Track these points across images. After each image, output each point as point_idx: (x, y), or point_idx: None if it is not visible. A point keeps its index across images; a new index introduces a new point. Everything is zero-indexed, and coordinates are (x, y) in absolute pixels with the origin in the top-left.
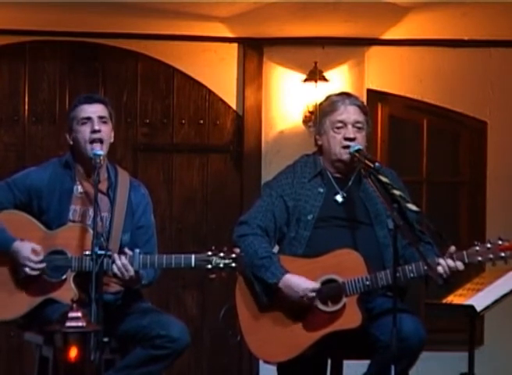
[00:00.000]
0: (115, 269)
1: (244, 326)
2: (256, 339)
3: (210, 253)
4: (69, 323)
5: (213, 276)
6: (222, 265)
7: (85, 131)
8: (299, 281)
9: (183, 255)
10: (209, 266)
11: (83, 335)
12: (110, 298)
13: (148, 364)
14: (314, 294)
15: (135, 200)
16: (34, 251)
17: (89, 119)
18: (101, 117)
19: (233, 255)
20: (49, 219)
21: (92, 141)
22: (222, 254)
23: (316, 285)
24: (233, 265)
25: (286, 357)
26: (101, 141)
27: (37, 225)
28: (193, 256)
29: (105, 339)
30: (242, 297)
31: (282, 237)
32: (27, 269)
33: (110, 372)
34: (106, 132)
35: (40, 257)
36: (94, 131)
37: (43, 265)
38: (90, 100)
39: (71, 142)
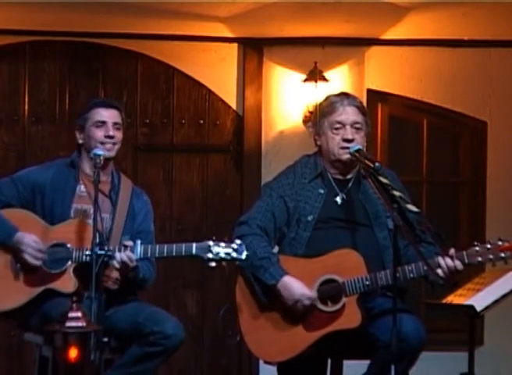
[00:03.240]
0: (125, 258)
1: (244, 326)
2: (256, 339)
3: (211, 242)
4: (69, 323)
5: (213, 264)
6: (222, 254)
7: (99, 134)
8: (297, 286)
9: (184, 244)
10: (210, 255)
11: (83, 335)
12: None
13: (144, 361)
14: (309, 302)
15: (137, 205)
16: (36, 242)
17: (104, 123)
18: (115, 123)
19: (234, 246)
20: (52, 217)
21: (104, 144)
22: (222, 244)
23: (313, 295)
24: (234, 255)
25: (285, 357)
26: (113, 144)
27: (38, 220)
28: (194, 245)
29: (105, 339)
30: (242, 296)
31: (282, 238)
32: (28, 257)
33: (108, 371)
34: (119, 138)
35: (42, 247)
36: (108, 136)
37: (44, 254)
38: (107, 105)
39: (80, 141)
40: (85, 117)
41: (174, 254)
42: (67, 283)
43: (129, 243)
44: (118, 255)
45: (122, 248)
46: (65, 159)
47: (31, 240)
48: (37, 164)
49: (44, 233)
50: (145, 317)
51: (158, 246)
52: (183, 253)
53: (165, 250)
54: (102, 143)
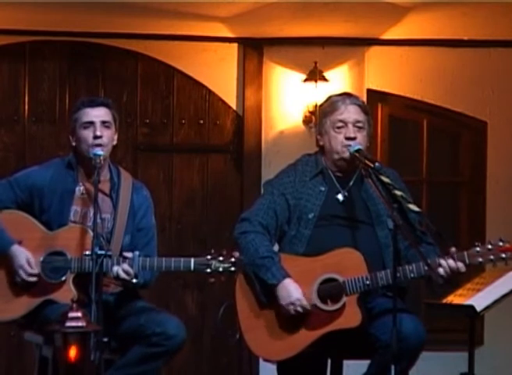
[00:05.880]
0: (122, 275)
1: (244, 324)
2: (255, 337)
3: (209, 257)
4: (69, 323)
5: (212, 280)
6: (221, 269)
7: (87, 135)
8: (296, 290)
9: (182, 259)
10: (208, 270)
11: (83, 335)
12: (109, 298)
13: (146, 362)
14: (301, 309)
15: (137, 202)
16: (29, 262)
17: (92, 123)
18: (103, 122)
19: (232, 259)
20: (50, 219)
21: (93, 146)
22: (221, 258)
23: (308, 305)
24: (232, 269)
25: (285, 355)
26: (102, 145)
27: (37, 225)
28: (192, 260)
29: (105, 339)
30: (242, 294)
31: (283, 236)
32: (18, 279)
33: (109, 371)
34: (108, 137)
35: (34, 270)
36: (96, 137)
37: (34, 279)
38: (94, 103)
39: (74, 143)
40: (74, 119)
41: (172, 269)
42: (67, 294)
43: (129, 255)
44: (115, 268)
45: (121, 260)
46: (62, 159)
47: (24, 260)
48: (36, 164)
49: (43, 240)
50: (147, 318)
51: (156, 260)
52: (182, 268)
53: (164, 265)
54: (92, 145)
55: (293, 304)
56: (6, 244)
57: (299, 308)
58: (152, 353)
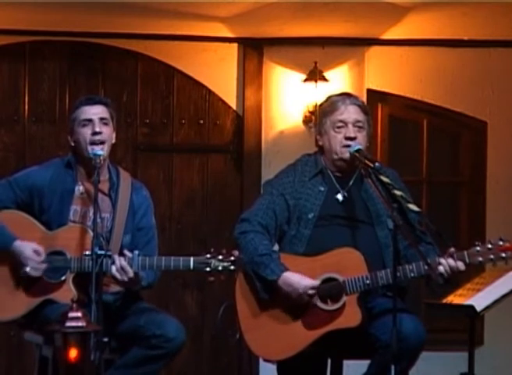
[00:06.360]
0: (114, 271)
1: (244, 324)
2: (255, 337)
3: (209, 256)
4: (69, 323)
5: (212, 279)
6: (220, 267)
7: (86, 133)
8: (298, 279)
9: (181, 258)
10: (208, 269)
11: (83, 335)
12: (109, 298)
13: (145, 364)
14: (313, 291)
15: (137, 201)
16: (36, 252)
17: (90, 120)
18: (102, 119)
19: (232, 258)
20: (50, 219)
21: (93, 143)
22: (220, 256)
23: (316, 283)
24: (232, 267)
25: (285, 355)
26: (101, 142)
27: (37, 225)
28: (191, 259)
29: (105, 339)
30: (242, 294)
31: (283, 236)
32: (29, 269)
33: (109, 370)
34: (107, 133)
35: (42, 257)
36: (94, 133)
37: (45, 265)
38: (92, 101)
39: (72, 143)
40: (72, 118)
41: (172, 268)
42: (67, 294)
43: (128, 254)
44: (116, 259)
45: (119, 258)
46: (62, 159)
47: (31, 251)
48: (36, 164)
49: (43, 239)
50: (147, 320)
51: (155, 259)
52: (181, 267)
53: (163, 263)
54: (92, 142)
55: (302, 293)
56: (8, 240)
57: (311, 292)
58: (151, 355)
